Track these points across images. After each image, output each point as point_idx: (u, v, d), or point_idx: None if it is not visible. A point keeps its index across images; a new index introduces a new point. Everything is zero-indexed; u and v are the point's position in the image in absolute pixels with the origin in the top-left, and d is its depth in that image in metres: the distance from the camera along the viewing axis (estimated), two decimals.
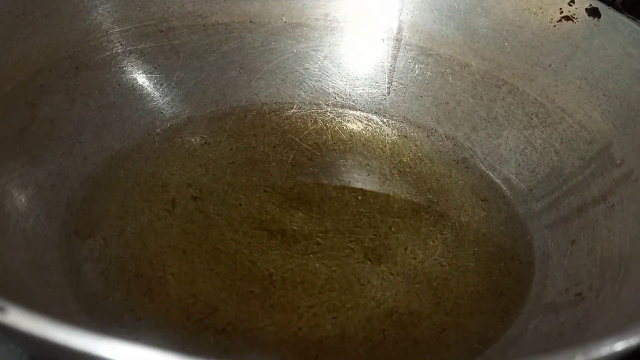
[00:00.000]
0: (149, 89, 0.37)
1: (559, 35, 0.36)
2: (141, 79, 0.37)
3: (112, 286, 0.27)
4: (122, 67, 0.36)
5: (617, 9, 0.34)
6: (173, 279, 0.28)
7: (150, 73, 0.37)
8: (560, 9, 0.36)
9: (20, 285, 0.24)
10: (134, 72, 0.37)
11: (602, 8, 0.34)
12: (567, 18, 0.36)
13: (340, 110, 0.40)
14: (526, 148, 0.36)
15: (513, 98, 0.37)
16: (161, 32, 0.38)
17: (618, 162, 0.31)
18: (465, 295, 0.29)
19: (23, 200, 0.28)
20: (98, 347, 0.13)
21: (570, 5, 0.35)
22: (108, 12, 0.36)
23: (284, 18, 0.40)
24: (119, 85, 0.36)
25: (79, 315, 0.25)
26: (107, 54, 0.36)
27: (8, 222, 0.26)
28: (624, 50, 0.33)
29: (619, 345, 0.15)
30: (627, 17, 0.33)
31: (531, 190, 0.34)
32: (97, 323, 0.25)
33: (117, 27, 0.36)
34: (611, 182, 0.30)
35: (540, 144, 0.35)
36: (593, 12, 0.34)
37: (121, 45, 0.36)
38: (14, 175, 0.28)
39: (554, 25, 0.36)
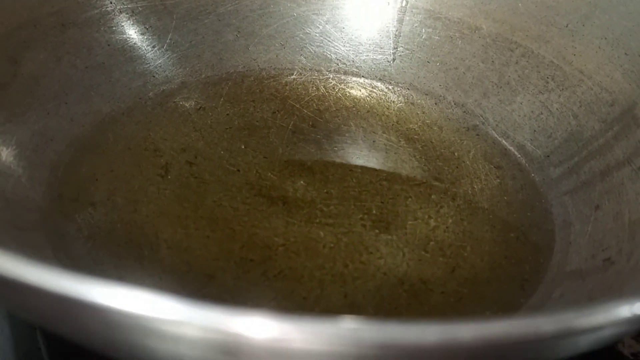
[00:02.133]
0: (140, 50, 0.35)
1: None
2: (132, 40, 0.35)
3: (98, 252, 0.25)
4: (112, 27, 0.34)
5: None
6: (166, 245, 0.26)
7: (142, 34, 0.35)
8: None
9: None
10: (125, 32, 0.34)
11: None
12: None
13: (343, 76, 0.38)
14: (542, 113, 0.33)
15: (527, 61, 0.35)
16: None
17: None
18: (481, 263, 0.27)
19: (3, 159, 0.26)
20: (81, 288, 0.11)
21: None
22: None
23: None
24: (108, 45, 0.34)
25: None
26: (95, 11, 0.33)
27: None
28: None
29: None
30: None
31: (548, 156, 0.32)
32: None
33: None
34: (636, 143, 0.28)
35: (557, 109, 0.33)
36: None
37: (111, 3, 0.34)
38: None
39: None
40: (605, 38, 0.32)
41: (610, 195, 0.27)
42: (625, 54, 0.31)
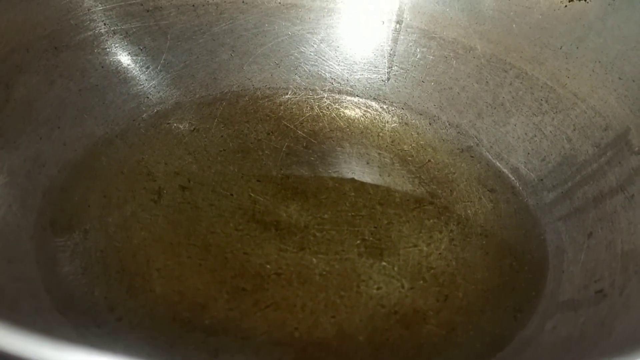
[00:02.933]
0: (134, 71, 0.35)
1: (570, 15, 0.34)
2: (126, 61, 0.35)
3: (90, 282, 0.25)
4: (105, 48, 0.34)
5: None
6: (158, 275, 0.26)
7: (136, 55, 0.35)
8: None
9: None
10: (118, 53, 0.34)
11: None
12: None
13: (337, 96, 0.38)
14: (535, 135, 0.33)
15: (521, 83, 0.35)
16: (147, 11, 0.35)
17: (637, 149, 0.29)
18: (474, 292, 0.27)
19: None
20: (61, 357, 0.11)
21: None
22: None
23: None
24: (102, 67, 0.34)
25: (52, 313, 0.22)
26: (89, 33, 0.33)
27: None
28: None
29: None
30: None
31: (542, 180, 0.32)
32: (73, 324, 0.23)
33: (100, 5, 0.34)
34: (630, 170, 0.28)
35: (551, 131, 0.33)
36: None
37: (104, 24, 0.34)
38: None
39: (565, 6, 0.34)
40: (599, 61, 0.32)
41: (603, 222, 0.27)
42: (619, 78, 0.31)
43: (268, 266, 0.27)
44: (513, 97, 0.35)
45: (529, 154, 0.33)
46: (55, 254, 0.26)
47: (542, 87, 0.34)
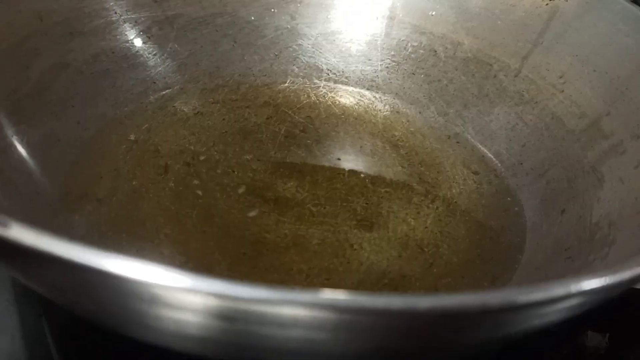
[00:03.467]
0: (142, 58, 0.37)
1: (551, 13, 0.36)
2: (135, 48, 0.37)
3: (104, 245, 0.27)
4: (116, 36, 0.36)
5: None
6: (166, 239, 0.28)
7: (144, 43, 0.37)
8: None
9: None
10: (128, 40, 0.37)
11: None
12: None
13: (333, 85, 0.40)
14: (517, 124, 0.36)
15: (505, 75, 0.37)
16: (156, 2, 0.38)
17: (607, 134, 0.31)
18: (456, 260, 0.29)
19: (15, 157, 0.28)
20: (103, 261, 0.13)
21: None
22: None
23: None
24: (113, 53, 0.36)
25: None
26: (101, 21, 0.36)
27: (1, 175, 0.26)
28: (614, 26, 0.33)
29: (610, 279, 0.15)
30: None
31: (521, 163, 0.34)
32: None
33: None
34: (600, 153, 0.31)
35: (531, 120, 0.35)
36: None
37: (115, 13, 0.36)
38: (7, 132, 0.28)
39: (546, 4, 0.37)
40: (576, 55, 0.35)
41: (575, 200, 0.30)
42: (594, 70, 0.34)
43: (267, 235, 0.29)
44: (497, 89, 0.37)
45: (510, 140, 0.36)
46: (71, 221, 0.28)
47: (523, 79, 0.37)
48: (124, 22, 0.37)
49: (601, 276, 0.15)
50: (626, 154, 0.29)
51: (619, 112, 0.32)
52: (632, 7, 0.33)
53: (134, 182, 0.31)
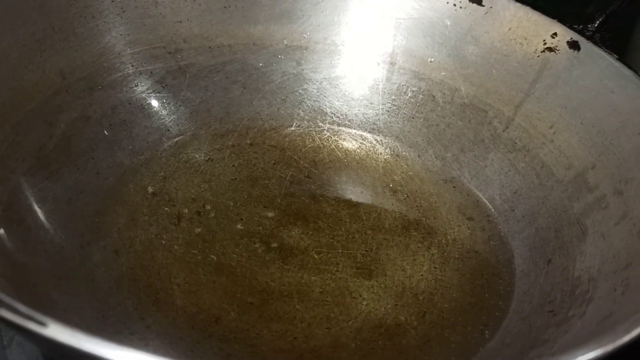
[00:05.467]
0: (157, 107, 0.39)
1: (542, 64, 0.38)
2: (150, 98, 0.39)
3: (123, 295, 0.30)
4: (133, 87, 0.39)
5: (595, 43, 0.36)
6: (179, 290, 0.31)
7: (159, 92, 0.40)
8: (544, 40, 0.38)
9: (42, 293, 0.26)
10: (144, 91, 0.39)
11: (582, 41, 0.37)
12: (550, 49, 0.38)
13: (336, 128, 0.42)
14: (510, 170, 0.38)
15: (499, 122, 0.39)
16: (169, 53, 0.40)
17: (592, 187, 0.33)
18: (448, 309, 0.31)
19: (42, 214, 0.30)
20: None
21: (553, 37, 0.38)
22: (121, 34, 0.38)
23: (285, 41, 0.42)
24: (129, 104, 0.38)
25: (95, 322, 0.27)
26: (119, 74, 0.38)
27: (29, 234, 0.29)
28: (600, 82, 0.35)
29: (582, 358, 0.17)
30: (605, 51, 0.36)
31: (513, 210, 0.37)
32: (111, 330, 0.27)
33: (128, 49, 0.38)
34: (585, 206, 0.33)
35: (522, 167, 0.37)
36: (573, 45, 0.37)
37: (132, 66, 0.39)
38: (34, 190, 0.31)
39: (538, 56, 0.39)
40: (565, 107, 0.37)
41: (561, 251, 0.32)
42: (581, 123, 0.36)
43: (272, 283, 0.32)
44: (492, 135, 0.40)
45: (503, 186, 0.38)
46: (93, 271, 0.30)
47: (516, 127, 0.39)
48: (140, 74, 0.39)
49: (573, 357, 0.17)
50: (608, 208, 0.31)
51: (603, 166, 0.34)
52: (618, 65, 0.35)
53: (149, 232, 0.33)
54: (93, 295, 0.29)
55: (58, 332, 0.16)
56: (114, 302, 0.29)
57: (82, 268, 0.30)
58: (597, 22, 0.37)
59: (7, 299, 0.16)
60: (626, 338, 0.20)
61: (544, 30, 0.38)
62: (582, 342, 0.22)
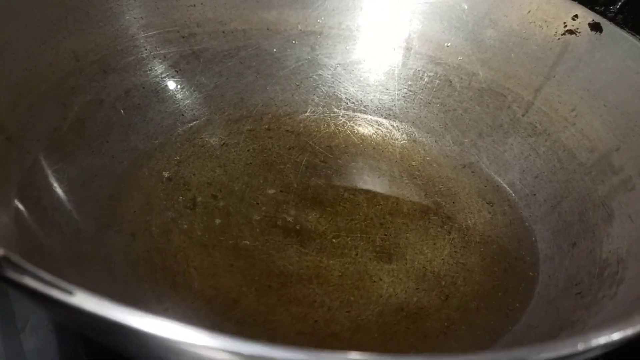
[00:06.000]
0: (171, 92, 0.39)
1: (563, 47, 0.38)
2: (164, 82, 0.39)
3: (140, 278, 0.29)
4: (147, 71, 0.38)
5: (617, 24, 0.36)
6: (196, 273, 0.30)
7: (173, 77, 0.39)
8: (565, 23, 0.38)
9: (60, 274, 0.25)
10: (158, 75, 0.38)
11: (604, 23, 0.36)
12: (571, 32, 0.37)
13: (352, 114, 0.42)
14: (530, 155, 0.37)
15: (518, 107, 0.39)
16: (183, 37, 0.39)
17: (617, 169, 0.32)
18: (471, 292, 0.31)
19: (58, 195, 0.30)
20: (160, 327, 0.15)
21: (574, 19, 0.37)
22: (135, 18, 0.37)
23: (299, 26, 0.42)
24: (143, 88, 0.38)
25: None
26: (132, 58, 0.38)
27: (45, 215, 0.28)
28: (623, 63, 0.35)
29: (616, 335, 0.17)
30: (627, 32, 0.35)
31: (534, 194, 0.36)
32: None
33: (142, 32, 0.38)
34: (610, 188, 0.32)
35: (543, 151, 0.37)
36: (595, 26, 0.36)
37: (146, 49, 0.38)
38: (50, 171, 0.30)
39: (558, 39, 0.38)
40: (587, 90, 0.36)
41: (586, 234, 0.31)
42: (604, 105, 0.35)
43: (290, 267, 0.31)
44: (511, 120, 0.39)
45: (524, 170, 0.37)
46: (110, 254, 0.30)
47: (536, 111, 0.38)
48: (154, 57, 0.38)
49: (608, 333, 0.16)
50: (635, 190, 0.31)
51: (628, 148, 0.33)
52: None
53: (164, 216, 0.33)
54: (110, 278, 0.28)
55: (85, 301, 0.15)
56: (132, 285, 0.29)
57: (99, 251, 0.29)
58: (619, 3, 0.37)
59: (31, 267, 0.16)
60: None
61: (565, 12, 0.38)
62: (614, 322, 0.21)
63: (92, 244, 0.29)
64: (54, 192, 0.30)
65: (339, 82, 0.42)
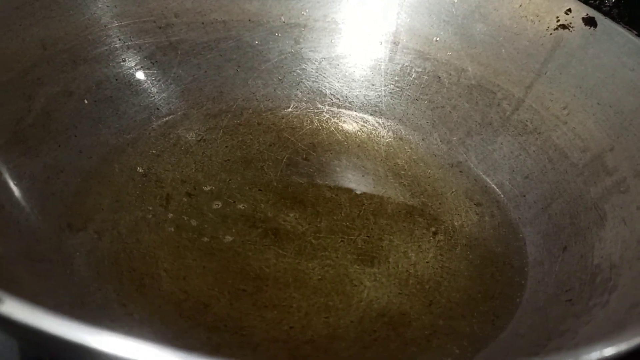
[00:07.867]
0: (146, 84, 0.37)
1: (555, 43, 0.36)
2: (138, 74, 0.37)
3: (104, 280, 0.27)
4: (120, 62, 0.36)
5: (613, 18, 0.34)
6: (166, 275, 0.28)
7: (148, 69, 0.37)
8: (557, 17, 0.36)
9: (12, 275, 0.23)
10: (132, 67, 0.37)
11: (599, 18, 0.34)
12: (564, 26, 0.36)
13: (336, 110, 0.40)
14: (520, 154, 0.36)
15: (508, 104, 0.37)
16: (160, 28, 0.38)
17: (610, 170, 0.31)
18: (456, 298, 0.29)
19: (17, 191, 0.28)
20: (90, 338, 0.13)
21: (567, 14, 0.36)
22: (107, 6, 0.36)
23: (282, 18, 0.40)
24: (116, 80, 0.36)
25: (70, 308, 0.25)
26: (105, 48, 0.36)
27: (1, 212, 0.26)
28: (618, 59, 0.33)
29: (609, 351, 0.15)
30: (623, 27, 0.34)
31: (524, 196, 0.34)
32: (89, 316, 0.25)
33: (115, 22, 0.36)
34: (603, 190, 0.31)
35: (534, 151, 0.35)
36: (589, 21, 0.35)
37: (119, 40, 0.36)
38: (10, 166, 0.28)
39: (550, 34, 0.36)
40: (580, 87, 0.35)
41: (577, 237, 0.30)
42: (598, 103, 0.33)
43: (267, 270, 0.29)
44: (500, 117, 0.37)
45: (513, 171, 0.36)
46: (71, 254, 0.28)
47: (527, 109, 0.37)
48: (128, 48, 0.37)
49: (599, 348, 0.15)
50: (629, 192, 0.29)
51: (622, 148, 0.31)
52: (637, 41, 0.33)
53: (134, 214, 0.31)
54: (71, 279, 0.26)
55: (14, 309, 0.13)
56: (94, 287, 0.27)
57: (60, 251, 0.28)
58: None
59: None
60: None
61: (557, 6, 0.36)
62: (606, 333, 0.20)
63: (52, 243, 0.27)
64: (14, 188, 0.28)
65: (324, 76, 0.41)
